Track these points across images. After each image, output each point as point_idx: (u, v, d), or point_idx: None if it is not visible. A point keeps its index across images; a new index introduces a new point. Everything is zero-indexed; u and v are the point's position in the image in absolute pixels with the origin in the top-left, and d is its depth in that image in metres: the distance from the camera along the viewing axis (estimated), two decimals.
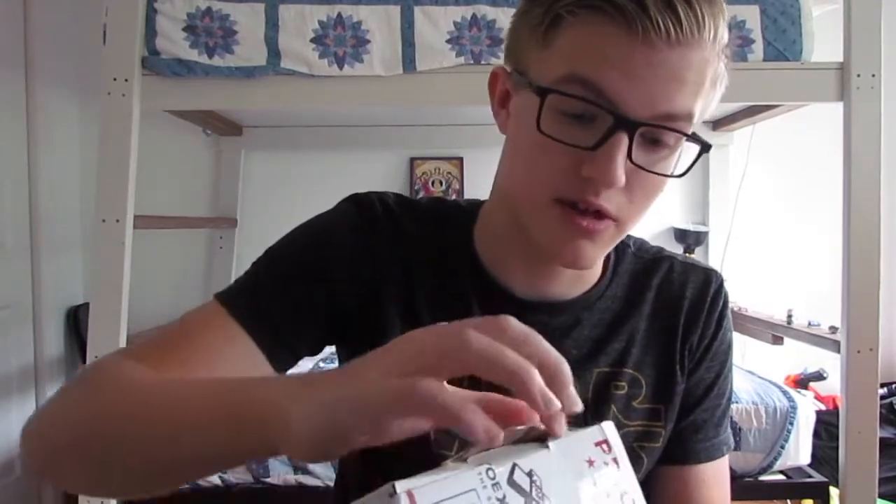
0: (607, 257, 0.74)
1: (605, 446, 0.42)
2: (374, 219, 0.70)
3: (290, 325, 0.66)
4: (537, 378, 0.39)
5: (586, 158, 0.57)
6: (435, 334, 0.40)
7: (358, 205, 0.71)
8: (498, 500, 0.37)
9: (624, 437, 0.69)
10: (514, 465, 0.38)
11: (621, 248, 0.76)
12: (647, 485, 0.74)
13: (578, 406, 0.41)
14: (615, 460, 0.42)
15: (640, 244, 0.78)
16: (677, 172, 0.61)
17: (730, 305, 0.77)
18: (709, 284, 0.74)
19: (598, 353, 0.70)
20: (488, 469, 0.38)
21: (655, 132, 0.57)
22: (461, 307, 0.68)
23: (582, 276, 0.71)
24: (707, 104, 0.60)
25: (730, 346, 0.76)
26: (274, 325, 0.65)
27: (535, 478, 0.39)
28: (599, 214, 0.59)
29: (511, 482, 0.38)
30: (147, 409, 0.51)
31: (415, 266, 0.69)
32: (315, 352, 0.69)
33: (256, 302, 0.65)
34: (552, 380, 0.40)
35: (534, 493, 0.38)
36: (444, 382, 0.38)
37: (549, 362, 0.40)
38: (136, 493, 0.52)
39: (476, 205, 0.73)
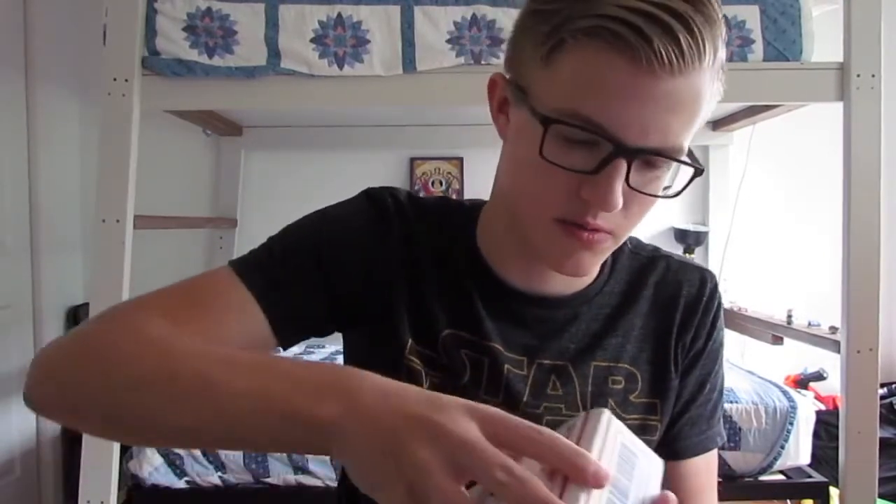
0: None
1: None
2: (387, 215, 0.72)
3: (300, 303, 0.67)
4: None
5: (586, 181, 0.59)
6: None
7: (372, 200, 0.73)
8: None
9: None
10: None
11: (619, 247, 0.77)
12: None
13: None
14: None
15: (637, 242, 0.80)
16: (675, 186, 0.64)
17: (723, 305, 0.79)
18: (704, 285, 0.77)
19: (596, 348, 0.72)
20: None
21: (653, 158, 0.59)
22: (465, 302, 0.71)
23: None
24: (703, 120, 0.61)
25: (721, 344, 0.79)
26: (285, 302, 0.66)
27: None
28: (597, 230, 0.61)
29: None
30: (199, 387, 0.51)
31: (422, 262, 0.72)
32: (319, 334, 0.72)
33: (271, 276, 0.67)
34: None
35: None
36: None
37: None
38: (160, 446, 0.57)
39: (479, 205, 0.76)
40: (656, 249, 0.79)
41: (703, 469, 0.78)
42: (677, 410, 0.76)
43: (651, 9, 0.54)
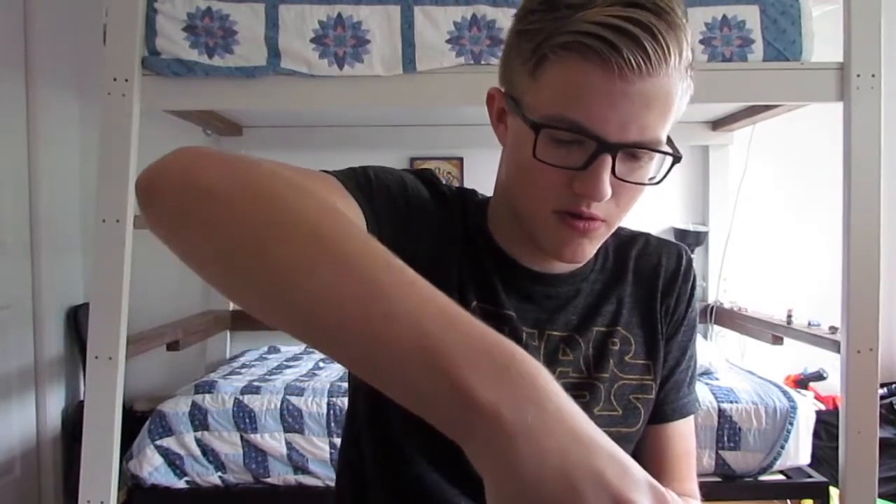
0: None
1: None
2: (442, 195, 0.79)
3: (385, 228, 0.69)
4: None
5: (577, 176, 0.66)
6: None
7: (424, 179, 0.79)
8: None
9: (621, 390, 0.79)
10: None
11: None
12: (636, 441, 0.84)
13: None
14: None
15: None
16: (660, 174, 0.70)
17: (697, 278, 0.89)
18: (681, 257, 0.87)
19: (596, 315, 0.81)
20: None
21: (634, 150, 0.66)
22: (487, 280, 0.78)
23: None
24: (678, 113, 0.68)
25: (697, 313, 0.89)
26: (379, 221, 0.68)
27: None
28: (592, 218, 0.69)
29: None
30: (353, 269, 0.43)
31: (459, 242, 0.79)
32: None
33: (368, 195, 0.69)
34: None
35: None
36: None
37: None
38: (248, 309, 0.46)
39: (486, 197, 0.84)
40: (634, 231, 0.88)
41: (686, 433, 0.86)
42: (664, 375, 0.85)
43: (618, 22, 0.61)
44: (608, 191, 0.65)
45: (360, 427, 0.81)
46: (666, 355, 0.84)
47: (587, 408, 0.77)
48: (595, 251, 0.73)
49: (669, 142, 0.68)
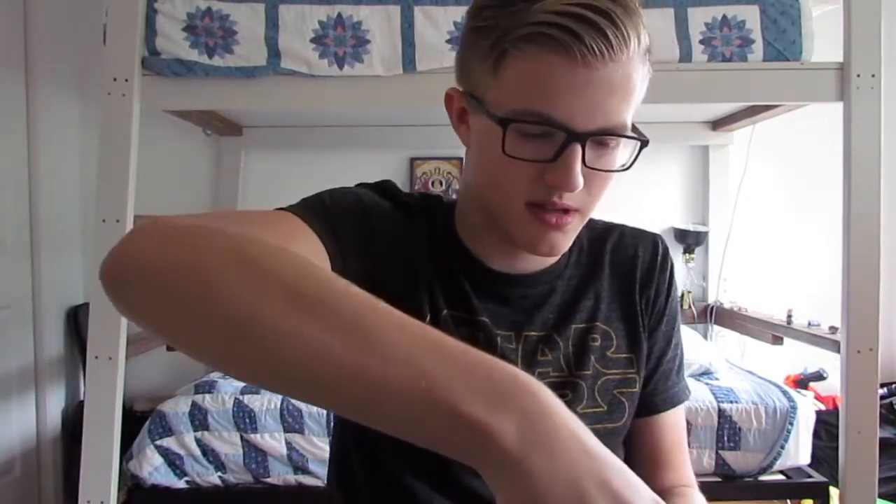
0: None
1: None
2: (401, 205, 0.78)
3: (348, 254, 0.68)
4: None
5: (548, 168, 0.66)
6: None
7: (383, 191, 0.78)
8: None
9: (605, 385, 0.79)
10: None
11: None
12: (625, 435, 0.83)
13: None
14: None
15: (590, 218, 0.86)
16: (629, 161, 0.70)
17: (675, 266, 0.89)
18: (657, 247, 0.86)
19: (574, 313, 0.80)
20: None
21: (602, 137, 0.66)
22: (456, 286, 0.77)
23: None
24: (637, 99, 0.68)
25: (678, 302, 0.89)
26: (339, 249, 0.67)
27: None
28: (565, 210, 0.68)
29: None
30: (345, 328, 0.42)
31: (423, 251, 0.77)
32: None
33: (326, 222, 0.68)
34: None
35: None
36: None
37: None
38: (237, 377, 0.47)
39: (452, 201, 0.83)
40: (608, 222, 0.88)
41: (678, 421, 0.87)
42: (651, 367, 0.84)
43: (577, 10, 0.61)
44: (580, 181, 0.65)
45: (349, 436, 0.80)
46: (651, 347, 0.84)
47: (570, 406, 0.75)
48: (571, 242, 0.73)
49: (634, 128, 0.69)
